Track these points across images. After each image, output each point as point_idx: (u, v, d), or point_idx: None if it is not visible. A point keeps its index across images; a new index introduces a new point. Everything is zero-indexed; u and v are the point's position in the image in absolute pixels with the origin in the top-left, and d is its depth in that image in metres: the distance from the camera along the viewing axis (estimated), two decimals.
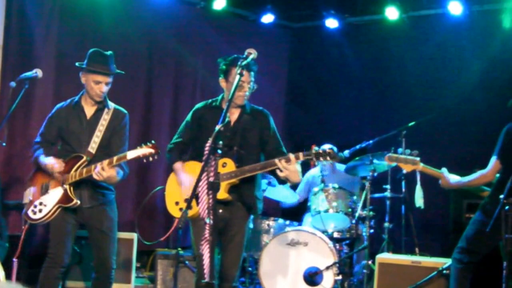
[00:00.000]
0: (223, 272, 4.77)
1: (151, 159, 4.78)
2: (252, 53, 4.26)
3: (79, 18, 7.34)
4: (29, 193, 5.09)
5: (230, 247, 4.79)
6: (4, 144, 5.39)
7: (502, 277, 4.97)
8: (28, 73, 5.03)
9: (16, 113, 5.12)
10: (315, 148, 4.50)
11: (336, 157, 4.55)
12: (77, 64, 5.13)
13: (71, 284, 6.33)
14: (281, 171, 4.52)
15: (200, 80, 8.52)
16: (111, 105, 5.23)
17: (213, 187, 3.85)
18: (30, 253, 6.34)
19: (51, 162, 4.98)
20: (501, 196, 4.19)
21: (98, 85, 5.04)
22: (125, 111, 5.30)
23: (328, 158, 4.49)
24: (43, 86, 6.82)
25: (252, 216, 4.99)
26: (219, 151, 3.87)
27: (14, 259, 5.14)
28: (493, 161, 5.05)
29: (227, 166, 4.64)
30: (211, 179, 3.88)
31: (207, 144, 3.96)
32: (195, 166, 4.78)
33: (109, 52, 5.16)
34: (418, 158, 5.40)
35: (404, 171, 5.70)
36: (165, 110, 8.19)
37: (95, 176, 4.79)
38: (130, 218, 7.71)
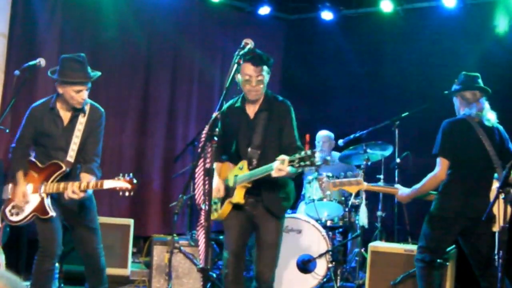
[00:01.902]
0: (258, 272, 4.73)
1: (127, 194, 4.75)
2: (249, 43, 4.20)
3: (81, 9, 7.44)
4: (9, 190, 5.02)
5: (263, 248, 4.72)
6: (7, 130, 5.42)
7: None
8: (32, 62, 5.01)
9: (19, 101, 5.15)
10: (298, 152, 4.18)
11: (314, 163, 4.11)
12: (49, 73, 5.00)
13: (68, 268, 6.36)
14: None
15: (197, 70, 8.61)
16: (87, 103, 5.05)
17: (209, 174, 3.88)
18: (29, 238, 6.40)
19: (19, 193, 4.91)
20: (496, 186, 4.27)
21: (79, 93, 4.87)
22: (102, 110, 5.14)
23: (308, 163, 4.10)
24: (45, 75, 6.87)
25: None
26: (215, 138, 3.90)
27: None
28: (440, 160, 5.03)
29: (243, 169, 4.60)
30: (208, 165, 3.89)
31: (204, 131, 4.00)
32: (221, 167, 4.83)
33: (82, 55, 4.97)
34: (361, 178, 5.47)
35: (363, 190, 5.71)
36: (162, 100, 8.26)
37: (66, 198, 4.78)
38: (127, 205, 7.81)
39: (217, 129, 3.84)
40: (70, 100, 4.90)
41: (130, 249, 6.59)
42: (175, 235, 6.46)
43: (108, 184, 4.74)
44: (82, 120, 5.00)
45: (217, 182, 4.72)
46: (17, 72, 5.00)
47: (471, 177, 4.85)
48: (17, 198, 4.92)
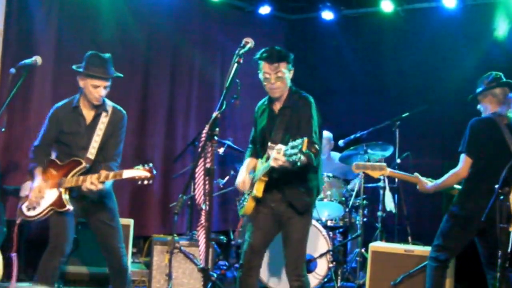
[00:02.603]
0: (286, 268, 4.77)
1: (145, 182, 4.74)
2: (249, 42, 4.20)
3: (79, 7, 7.36)
4: (27, 187, 5.04)
5: (287, 245, 4.72)
6: (3, 129, 5.40)
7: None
8: (28, 60, 5.01)
9: (15, 99, 5.13)
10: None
11: (302, 151, 3.99)
12: (74, 67, 5.06)
13: (67, 269, 6.34)
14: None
15: (197, 70, 8.58)
16: (109, 105, 5.16)
17: (210, 173, 3.88)
18: (29, 238, 6.40)
19: (35, 189, 4.95)
20: (496, 186, 4.25)
21: (97, 89, 4.97)
22: (124, 112, 5.24)
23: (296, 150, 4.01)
24: (42, 73, 6.86)
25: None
26: (216, 138, 3.89)
27: (13, 254, 5.04)
28: (463, 157, 5.06)
29: (263, 163, 4.61)
30: (208, 165, 3.90)
31: (204, 131, 3.99)
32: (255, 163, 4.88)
33: (107, 55, 5.09)
34: (384, 164, 5.48)
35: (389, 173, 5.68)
36: (162, 100, 8.22)
37: (84, 190, 4.82)
38: (127, 205, 7.79)
39: (217, 129, 3.84)
40: (88, 95, 5.00)
41: (130, 249, 6.56)
42: (175, 235, 6.45)
43: (127, 173, 4.74)
44: (104, 120, 5.08)
45: (243, 176, 4.80)
46: (12, 70, 4.98)
47: (491, 178, 4.82)
48: (33, 193, 4.95)
